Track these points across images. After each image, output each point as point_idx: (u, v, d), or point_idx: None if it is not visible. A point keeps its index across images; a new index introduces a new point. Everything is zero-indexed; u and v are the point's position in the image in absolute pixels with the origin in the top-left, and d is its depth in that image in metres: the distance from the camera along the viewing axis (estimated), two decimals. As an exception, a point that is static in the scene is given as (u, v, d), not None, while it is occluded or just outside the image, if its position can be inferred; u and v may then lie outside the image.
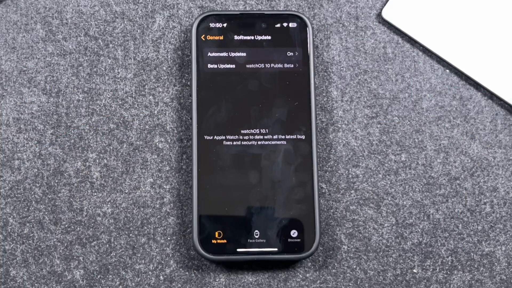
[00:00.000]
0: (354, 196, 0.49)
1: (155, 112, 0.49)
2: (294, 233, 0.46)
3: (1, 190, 0.48)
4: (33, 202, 0.48)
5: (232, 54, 0.48)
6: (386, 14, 0.51)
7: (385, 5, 0.51)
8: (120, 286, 0.47)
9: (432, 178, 0.49)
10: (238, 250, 0.45)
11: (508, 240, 0.48)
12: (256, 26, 0.49)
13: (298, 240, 0.46)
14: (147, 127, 0.49)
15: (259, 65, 0.48)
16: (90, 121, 0.49)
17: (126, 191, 0.48)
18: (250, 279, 0.47)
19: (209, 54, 0.48)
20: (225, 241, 0.45)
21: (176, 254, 0.47)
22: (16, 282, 0.47)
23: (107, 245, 0.47)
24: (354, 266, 0.48)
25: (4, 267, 0.47)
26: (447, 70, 0.51)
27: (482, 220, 0.49)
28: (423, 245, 0.48)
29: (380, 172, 0.49)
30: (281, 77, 0.48)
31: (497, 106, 0.50)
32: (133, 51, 0.50)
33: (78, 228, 0.47)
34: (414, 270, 0.48)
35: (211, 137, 0.47)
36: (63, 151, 0.48)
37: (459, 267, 0.48)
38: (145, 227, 0.48)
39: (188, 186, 0.48)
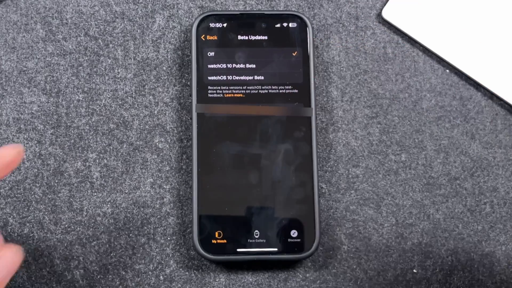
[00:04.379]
0: (354, 196, 0.49)
1: (155, 112, 0.49)
2: (294, 233, 0.46)
3: (1, 190, 0.48)
4: (33, 202, 0.48)
5: (232, 54, 0.48)
6: (386, 14, 0.51)
7: (385, 5, 0.51)
8: (120, 286, 0.47)
9: (432, 178, 0.49)
10: (238, 250, 0.45)
11: (508, 240, 0.48)
12: (256, 26, 0.49)
13: (298, 240, 0.46)
14: (147, 127, 0.49)
15: (259, 65, 0.48)
16: (90, 121, 0.49)
17: (126, 191, 0.48)
18: (250, 279, 0.47)
19: (209, 54, 0.48)
20: (225, 241, 0.45)
21: (176, 254, 0.47)
22: (16, 282, 0.47)
23: (107, 245, 0.47)
24: (354, 266, 0.48)
25: (4, 267, 0.47)
26: (447, 70, 0.51)
27: (482, 220, 0.49)
28: (423, 245, 0.48)
29: (380, 172, 0.49)
30: (280, 77, 0.48)
31: (497, 106, 0.50)
32: (133, 51, 0.50)
33: (78, 228, 0.47)
34: (414, 270, 0.48)
35: (211, 137, 0.47)
36: (63, 151, 0.48)
37: (459, 267, 0.48)
38: (145, 227, 0.48)
39: (188, 186, 0.48)
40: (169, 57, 0.50)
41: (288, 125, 0.47)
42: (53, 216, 0.48)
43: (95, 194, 0.48)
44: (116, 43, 0.50)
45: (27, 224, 0.47)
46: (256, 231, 0.46)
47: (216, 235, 0.46)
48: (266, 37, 0.49)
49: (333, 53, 0.51)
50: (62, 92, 0.49)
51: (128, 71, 0.50)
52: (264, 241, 0.46)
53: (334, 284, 0.47)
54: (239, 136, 0.47)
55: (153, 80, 0.50)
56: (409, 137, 0.50)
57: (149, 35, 0.50)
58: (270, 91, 0.48)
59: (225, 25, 0.49)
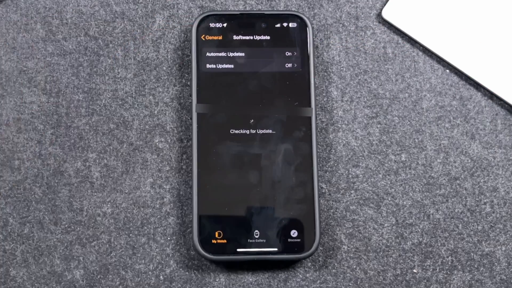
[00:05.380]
0: (354, 196, 0.49)
1: (155, 112, 0.49)
2: (294, 233, 0.46)
3: (1, 190, 0.48)
4: (33, 202, 0.48)
5: (232, 54, 0.48)
6: (386, 14, 0.51)
7: (385, 5, 0.51)
8: (120, 286, 0.47)
9: (432, 178, 0.49)
10: (238, 250, 0.45)
11: (508, 240, 0.48)
12: (256, 26, 0.49)
13: (298, 240, 0.46)
14: (147, 127, 0.49)
15: (259, 65, 0.48)
16: (90, 121, 0.49)
17: (126, 191, 0.48)
18: (250, 279, 0.47)
19: (209, 54, 0.48)
20: (225, 241, 0.45)
21: (176, 254, 0.47)
22: (16, 282, 0.47)
23: (107, 245, 0.47)
24: (354, 266, 0.48)
25: (4, 267, 0.47)
26: (447, 70, 0.51)
27: (482, 220, 0.49)
28: (423, 245, 0.48)
29: (380, 172, 0.49)
30: (281, 77, 0.48)
31: (497, 106, 0.50)
32: (133, 51, 0.50)
33: (78, 228, 0.47)
34: (414, 270, 0.48)
35: (211, 137, 0.47)
36: (63, 151, 0.48)
37: (459, 267, 0.48)
38: (145, 227, 0.48)
39: (188, 186, 0.48)
40: (169, 57, 0.50)
41: (288, 125, 0.47)
42: (53, 216, 0.48)
43: (95, 194, 0.48)
44: (116, 43, 0.50)
45: (27, 224, 0.47)
46: (256, 231, 0.46)
47: (216, 235, 0.46)
48: (266, 37, 0.49)
49: (333, 53, 0.51)
50: (62, 92, 0.49)
51: (128, 71, 0.50)
52: (264, 241, 0.46)
53: (334, 284, 0.47)
54: (239, 136, 0.47)
55: (153, 80, 0.50)
56: (409, 137, 0.50)
57: (149, 35, 0.50)
58: (270, 91, 0.48)
59: (225, 25, 0.49)
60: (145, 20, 0.51)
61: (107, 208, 0.48)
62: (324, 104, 0.50)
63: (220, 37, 0.48)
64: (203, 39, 0.48)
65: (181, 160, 0.49)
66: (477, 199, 0.49)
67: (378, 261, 0.48)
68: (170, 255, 0.47)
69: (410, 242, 0.48)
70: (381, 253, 0.48)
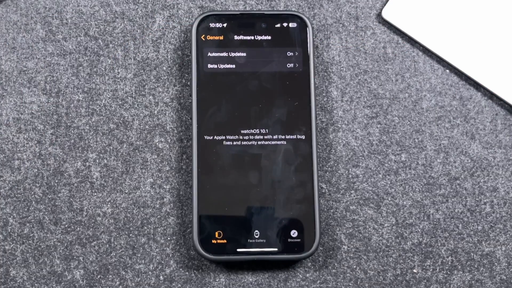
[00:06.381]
0: (354, 196, 0.49)
1: (155, 112, 0.49)
2: (294, 233, 0.46)
3: (1, 190, 0.48)
4: (33, 202, 0.48)
5: (232, 54, 0.48)
6: (386, 14, 0.51)
7: (385, 5, 0.51)
8: (120, 286, 0.47)
9: (432, 178, 0.49)
10: (238, 250, 0.45)
11: (508, 240, 0.48)
12: (256, 26, 0.49)
13: (298, 240, 0.46)
14: (147, 127, 0.49)
15: (259, 65, 0.48)
16: (90, 121, 0.49)
17: (126, 191, 0.48)
18: (250, 279, 0.47)
19: (209, 54, 0.48)
20: (225, 241, 0.45)
21: (176, 254, 0.47)
22: (16, 282, 0.47)
23: (107, 245, 0.47)
24: (354, 266, 0.48)
25: (4, 267, 0.47)
26: (447, 70, 0.51)
27: (482, 220, 0.49)
28: (423, 245, 0.48)
29: (380, 172, 0.49)
30: (281, 77, 0.48)
31: (497, 106, 0.50)
32: (133, 51, 0.50)
33: (78, 228, 0.47)
34: (414, 270, 0.48)
35: (211, 137, 0.47)
36: (63, 151, 0.48)
37: (459, 267, 0.48)
38: (145, 227, 0.48)
39: (188, 186, 0.48)
40: (169, 57, 0.50)
41: (288, 125, 0.47)
42: (53, 216, 0.48)
43: (95, 194, 0.48)
44: (116, 43, 0.50)
45: (27, 224, 0.47)
46: (256, 231, 0.46)
47: (216, 235, 0.46)
48: (266, 37, 0.49)
49: (333, 53, 0.51)
50: (62, 92, 0.49)
51: (128, 71, 0.50)
52: (264, 241, 0.46)
53: (334, 284, 0.47)
54: (239, 136, 0.47)
55: (153, 80, 0.50)
56: (409, 137, 0.50)
57: (149, 35, 0.50)
58: (270, 91, 0.48)
59: (225, 25, 0.49)
60: (145, 20, 0.51)
61: (107, 208, 0.48)
62: (324, 104, 0.50)
63: (220, 37, 0.48)
64: (203, 39, 0.48)
65: (181, 160, 0.49)
66: (477, 199, 0.49)
67: (378, 261, 0.48)
68: (170, 255, 0.47)
69: (410, 242, 0.48)
70: (381, 253, 0.48)
